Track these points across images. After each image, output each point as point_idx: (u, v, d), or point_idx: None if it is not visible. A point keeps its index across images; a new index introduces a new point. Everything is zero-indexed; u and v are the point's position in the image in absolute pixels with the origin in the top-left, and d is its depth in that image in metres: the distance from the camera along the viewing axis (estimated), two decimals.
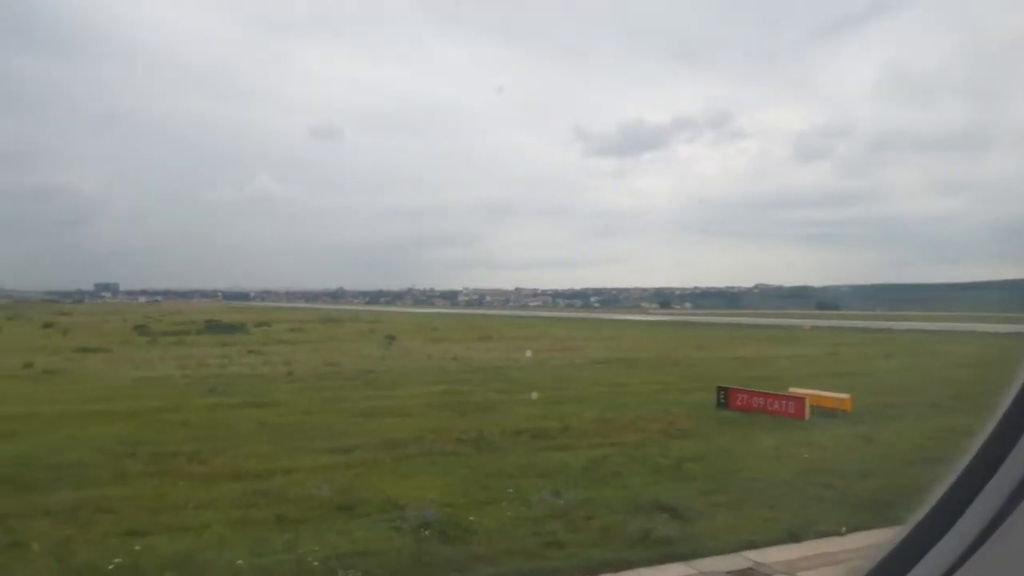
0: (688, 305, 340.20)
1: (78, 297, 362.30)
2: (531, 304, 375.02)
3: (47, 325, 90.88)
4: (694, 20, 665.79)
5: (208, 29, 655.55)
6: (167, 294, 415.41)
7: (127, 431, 23.30)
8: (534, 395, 29.47)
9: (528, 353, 52.03)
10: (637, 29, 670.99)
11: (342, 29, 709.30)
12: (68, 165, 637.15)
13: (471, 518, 14.21)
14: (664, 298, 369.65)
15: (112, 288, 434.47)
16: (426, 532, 13.35)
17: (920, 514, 2.55)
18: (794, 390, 29.99)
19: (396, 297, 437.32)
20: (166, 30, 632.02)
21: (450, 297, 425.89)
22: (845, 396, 28.23)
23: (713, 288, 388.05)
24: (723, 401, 29.36)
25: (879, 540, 13.26)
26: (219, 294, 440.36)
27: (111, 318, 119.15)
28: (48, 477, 17.27)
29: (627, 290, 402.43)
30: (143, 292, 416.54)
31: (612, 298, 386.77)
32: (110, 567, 12.01)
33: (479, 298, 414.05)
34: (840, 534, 13.68)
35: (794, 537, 13.46)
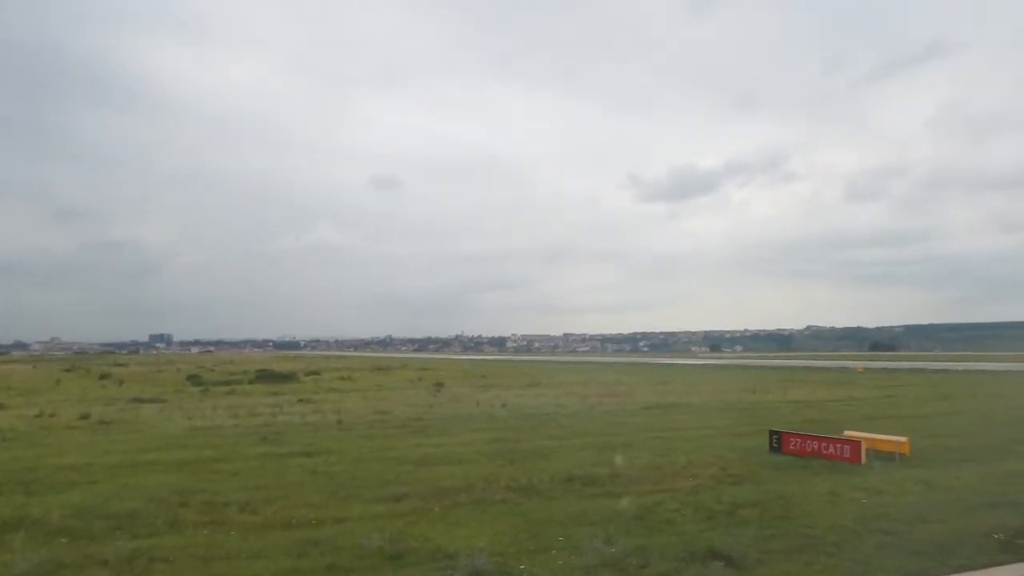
0: (738, 348, 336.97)
1: (133, 348, 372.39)
2: (579, 349, 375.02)
3: (103, 376, 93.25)
4: (748, 65, 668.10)
5: (272, 84, 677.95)
6: (219, 344, 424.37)
7: (180, 481, 23.55)
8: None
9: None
10: (691, 74, 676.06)
11: (403, 81, 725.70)
12: (136, 220, 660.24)
13: (522, 566, 14.03)
14: (714, 341, 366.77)
15: (166, 339, 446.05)
16: None
17: None
18: (849, 433, 29.34)
19: (444, 344, 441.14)
20: (233, 88, 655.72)
21: (498, 343, 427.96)
22: (903, 439, 27.45)
23: (763, 331, 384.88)
24: (776, 445, 28.76)
25: None
26: (270, 343, 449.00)
27: (165, 368, 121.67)
28: (104, 526, 17.47)
29: (676, 334, 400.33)
30: (195, 343, 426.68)
31: (661, 342, 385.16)
32: None
33: (527, 344, 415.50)
34: None
35: None
